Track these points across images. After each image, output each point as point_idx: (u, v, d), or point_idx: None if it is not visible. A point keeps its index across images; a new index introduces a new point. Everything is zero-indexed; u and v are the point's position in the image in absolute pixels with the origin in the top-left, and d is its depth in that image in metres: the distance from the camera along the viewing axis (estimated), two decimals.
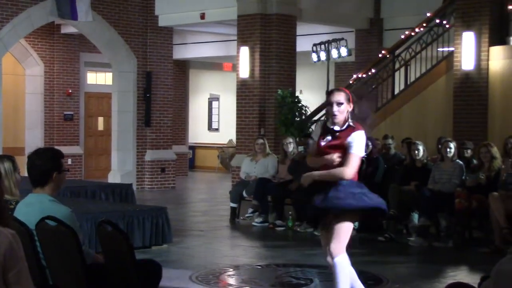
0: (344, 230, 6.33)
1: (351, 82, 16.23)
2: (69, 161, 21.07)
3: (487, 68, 14.39)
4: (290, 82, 16.86)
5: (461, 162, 11.55)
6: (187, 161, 25.23)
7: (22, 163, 5.81)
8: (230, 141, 25.96)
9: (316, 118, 16.04)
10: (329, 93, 6.49)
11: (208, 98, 29.02)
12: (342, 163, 6.20)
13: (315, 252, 10.60)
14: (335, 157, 6.21)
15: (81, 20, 17.62)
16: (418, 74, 15.84)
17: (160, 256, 9.59)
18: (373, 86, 16.29)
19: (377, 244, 11.12)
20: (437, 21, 15.58)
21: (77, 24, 18.56)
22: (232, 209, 13.96)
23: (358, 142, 6.21)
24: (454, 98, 14.77)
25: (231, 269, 9.46)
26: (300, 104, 16.20)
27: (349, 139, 6.21)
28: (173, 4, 19.19)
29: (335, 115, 6.26)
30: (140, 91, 19.72)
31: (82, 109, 22.39)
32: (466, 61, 14.47)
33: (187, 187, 21.84)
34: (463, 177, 11.34)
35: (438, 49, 15.68)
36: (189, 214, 15.39)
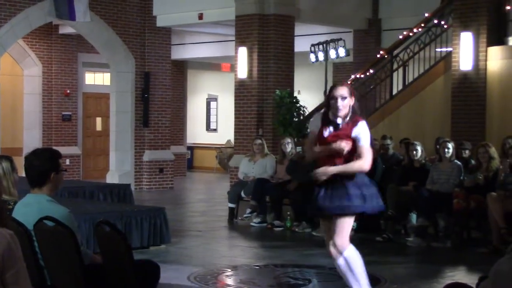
0: (347, 224, 6.46)
1: (349, 82, 16.22)
2: (67, 162, 21.05)
3: (485, 69, 14.38)
4: (288, 82, 16.85)
5: (459, 163, 11.55)
6: (185, 162, 25.22)
7: (20, 163, 5.80)
8: (228, 141, 25.97)
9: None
10: (332, 88, 6.57)
11: (206, 99, 29.02)
12: (351, 151, 6.35)
13: (313, 253, 10.63)
14: (344, 144, 6.31)
15: (79, 20, 17.62)
16: (416, 75, 15.84)
17: (158, 256, 9.58)
18: (371, 87, 16.29)
19: (375, 244, 11.12)
20: (435, 21, 15.58)
21: (75, 25, 18.55)
22: (230, 209, 13.97)
23: (365, 133, 6.39)
24: (452, 98, 14.77)
25: (229, 270, 9.46)
26: (298, 105, 16.20)
27: (356, 132, 6.36)
28: (171, 5, 19.19)
29: (340, 109, 6.39)
30: (138, 91, 19.72)
31: (80, 110, 22.39)
32: (464, 61, 14.47)
33: (185, 187, 21.84)
34: (461, 178, 11.35)
35: (436, 50, 15.68)
36: (187, 215, 15.39)
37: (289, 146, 13.59)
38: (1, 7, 17.33)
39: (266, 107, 16.59)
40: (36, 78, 21.41)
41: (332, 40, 18.08)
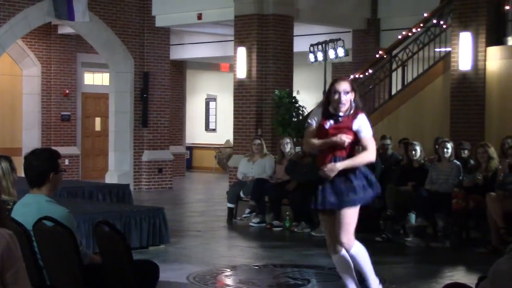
0: (352, 220, 6.59)
1: None
2: (66, 162, 21.06)
3: (484, 69, 14.39)
4: (287, 82, 16.86)
5: (458, 163, 11.55)
6: (184, 162, 25.21)
7: (19, 163, 5.81)
8: (227, 141, 25.97)
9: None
10: (334, 82, 6.68)
11: (205, 99, 29.02)
12: (352, 144, 6.51)
13: (313, 253, 10.63)
14: (344, 137, 6.43)
15: (78, 20, 17.61)
16: (415, 75, 15.84)
17: (157, 256, 9.58)
18: (370, 87, 16.29)
19: (375, 244, 11.10)
20: (434, 21, 15.57)
21: (74, 25, 18.55)
22: (229, 209, 13.97)
23: (366, 125, 6.54)
24: (451, 98, 14.77)
25: (228, 270, 9.45)
26: (297, 105, 16.19)
27: (356, 124, 6.50)
28: (170, 5, 19.18)
29: (343, 103, 6.51)
30: (137, 91, 19.72)
31: (79, 110, 22.39)
32: (463, 61, 14.47)
33: (184, 187, 21.84)
34: (460, 178, 11.35)
35: (435, 50, 15.68)
36: (186, 215, 15.38)
37: (288, 146, 13.59)
38: (0, 7, 17.32)
39: (265, 107, 16.59)
40: (35, 78, 21.40)
41: (331, 40, 18.08)
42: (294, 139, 14.45)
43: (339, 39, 17.99)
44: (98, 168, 22.53)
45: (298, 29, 17.69)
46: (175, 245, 11.03)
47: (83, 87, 22.59)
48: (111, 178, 19.41)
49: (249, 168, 13.96)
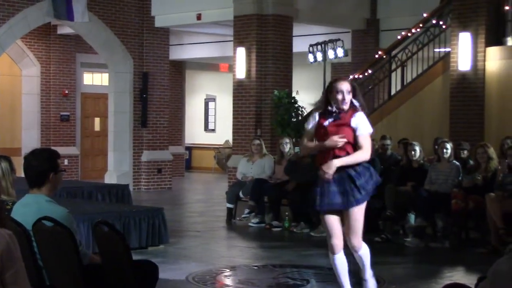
0: (361, 222, 6.75)
1: None
2: (66, 162, 21.06)
3: (484, 69, 14.39)
4: (287, 82, 16.86)
5: (457, 163, 11.55)
6: (183, 162, 25.21)
7: (19, 163, 5.80)
8: (227, 141, 25.97)
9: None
10: (335, 82, 6.79)
11: (205, 99, 29.02)
12: (351, 144, 6.60)
13: (312, 253, 10.62)
14: (336, 138, 6.54)
15: (77, 20, 17.61)
16: (414, 75, 15.85)
17: (156, 256, 9.57)
18: (370, 87, 16.30)
19: (374, 244, 11.05)
20: (434, 21, 15.58)
21: (74, 25, 18.55)
22: (229, 209, 13.97)
23: (363, 122, 6.66)
24: (451, 98, 14.78)
25: (228, 270, 9.45)
26: (296, 105, 16.21)
27: (354, 122, 6.61)
28: (169, 5, 19.18)
29: (346, 102, 6.65)
30: (137, 91, 19.71)
31: (79, 110, 22.39)
32: (463, 61, 14.48)
33: (184, 187, 21.84)
34: (460, 178, 11.34)
35: (435, 50, 15.69)
36: (185, 215, 15.38)
37: (287, 146, 13.59)
38: None
39: (264, 108, 16.59)
40: (35, 78, 21.40)
41: (331, 41, 18.07)
42: (293, 139, 14.45)
43: (339, 40, 17.98)
44: (98, 168, 22.53)
45: (297, 29, 17.70)
46: (175, 245, 11.03)
47: (83, 87, 22.59)
48: (110, 178, 19.41)
49: (249, 168, 13.96)
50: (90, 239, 9.23)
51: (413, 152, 11.83)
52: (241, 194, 13.83)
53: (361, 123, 6.62)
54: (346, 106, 6.63)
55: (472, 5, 14.44)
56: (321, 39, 18.49)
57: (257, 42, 16.52)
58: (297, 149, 13.80)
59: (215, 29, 20.71)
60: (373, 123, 14.67)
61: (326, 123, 6.65)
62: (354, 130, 6.60)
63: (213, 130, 28.83)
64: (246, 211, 13.65)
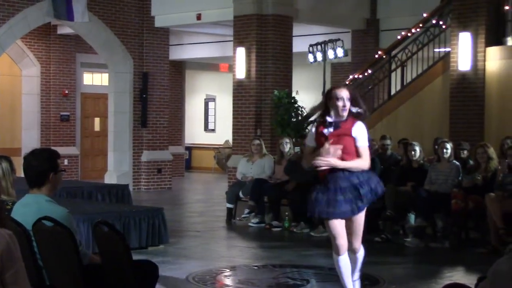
0: (362, 223, 6.93)
1: (347, 83, 16.22)
2: (66, 162, 21.06)
3: (484, 69, 14.39)
4: (287, 82, 16.86)
5: (457, 163, 11.55)
6: (183, 162, 25.21)
7: (19, 163, 5.80)
8: (227, 141, 25.97)
9: (312, 119, 16.03)
10: (334, 89, 6.82)
11: (205, 99, 29.02)
12: (347, 149, 6.66)
13: (312, 253, 10.62)
14: (332, 149, 6.59)
15: (77, 21, 17.60)
16: (414, 75, 15.84)
17: (156, 256, 9.58)
18: (370, 87, 16.29)
19: (374, 244, 11.10)
20: (434, 21, 15.57)
21: (74, 25, 18.55)
22: (229, 209, 13.96)
23: (363, 134, 6.73)
24: (451, 98, 14.78)
25: (228, 270, 9.46)
26: (296, 105, 16.20)
27: (354, 132, 6.67)
28: (169, 5, 19.18)
29: (346, 109, 6.69)
30: (137, 91, 19.71)
31: (79, 110, 22.39)
32: (463, 61, 14.48)
33: (184, 187, 21.84)
34: (460, 178, 11.34)
35: (435, 50, 15.68)
36: (185, 215, 15.38)
37: (287, 146, 13.59)
38: None
39: (264, 108, 16.59)
40: (35, 78, 21.40)
41: (330, 41, 18.08)
42: (293, 139, 14.44)
43: (338, 39, 17.99)
44: (97, 168, 22.54)
45: (297, 29, 17.69)
46: (174, 245, 11.03)
47: (82, 87, 22.59)
48: (110, 178, 19.41)
49: (248, 168, 13.96)
50: (90, 239, 9.23)
51: (413, 152, 11.83)
52: (241, 194, 13.83)
53: (360, 134, 6.70)
54: (345, 113, 6.67)
55: (472, 5, 14.44)
56: (321, 39, 18.50)
57: (257, 42, 16.52)
58: (297, 149, 13.80)
59: (215, 29, 20.71)
60: (373, 123, 14.85)
61: (326, 131, 6.70)
62: (354, 140, 6.68)
63: (213, 130, 28.83)
64: (246, 211, 13.65)
